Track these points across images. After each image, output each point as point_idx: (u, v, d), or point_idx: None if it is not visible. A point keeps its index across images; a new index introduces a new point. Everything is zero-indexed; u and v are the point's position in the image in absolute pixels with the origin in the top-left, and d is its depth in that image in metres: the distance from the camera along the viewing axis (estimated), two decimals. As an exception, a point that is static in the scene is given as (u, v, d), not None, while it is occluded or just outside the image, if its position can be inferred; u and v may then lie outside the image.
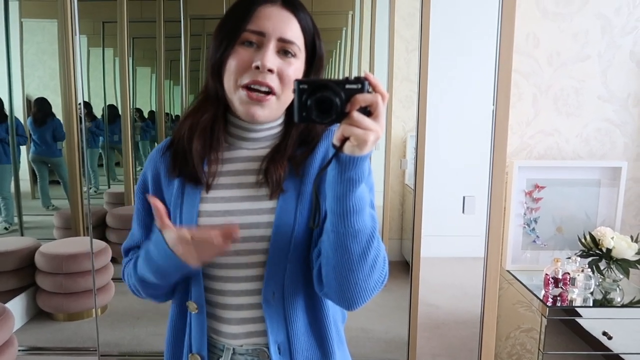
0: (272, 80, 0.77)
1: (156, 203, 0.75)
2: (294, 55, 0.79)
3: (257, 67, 0.76)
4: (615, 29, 2.04)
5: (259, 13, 0.78)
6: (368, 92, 0.63)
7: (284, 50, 0.78)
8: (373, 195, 0.81)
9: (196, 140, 0.82)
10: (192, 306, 0.85)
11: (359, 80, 0.63)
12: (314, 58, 0.84)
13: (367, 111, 0.63)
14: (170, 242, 0.75)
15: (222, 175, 0.84)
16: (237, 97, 0.79)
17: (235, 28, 0.78)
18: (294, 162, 0.83)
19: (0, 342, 1.93)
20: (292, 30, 0.79)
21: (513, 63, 1.86)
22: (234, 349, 0.85)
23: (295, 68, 0.80)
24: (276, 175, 0.80)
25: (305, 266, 0.82)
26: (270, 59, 0.77)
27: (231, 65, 0.78)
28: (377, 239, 0.72)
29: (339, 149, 0.65)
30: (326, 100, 0.62)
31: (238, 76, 0.78)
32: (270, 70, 0.77)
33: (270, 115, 0.81)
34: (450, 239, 3.79)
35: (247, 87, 0.77)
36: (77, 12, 2.44)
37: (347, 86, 0.63)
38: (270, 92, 0.78)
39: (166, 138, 0.91)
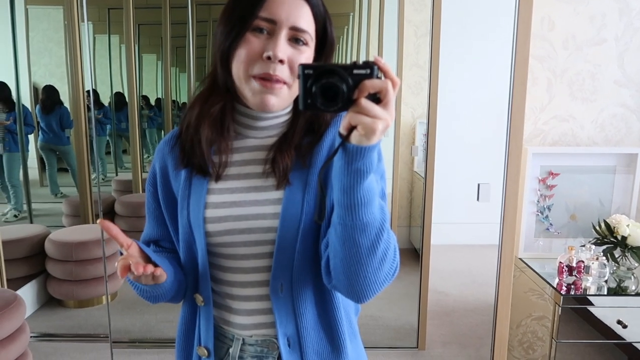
0: (283, 72, 0.74)
1: (108, 227, 0.72)
2: (305, 44, 0.77)
3: (269, 58, 0.73)
4: (634, 12, 1.99)
5: None
6: (377, 77, 0.59)
7: (296, 38, 0.76)
8: (384, 183, 0.79)
9: (206, 129, 0.80)
10: (198, 299, 0.85)
11: (368, 65, 0.59)
12: (325, 43, 0.81)
13: (377, 98, 0.59)
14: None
15: (230, 166, 0.83)
16: (249, 88, 0.76)
17: (245, 14, 0.75)
18: (301, 152, 0.81)
19: (13, 329, 1.95)
20: (305, 18, 0.76)
21: (528, 47, 1.82)
22: (243, 339, 0.85)
23: (307, 57, 0.77)
24: (283, 165, 0.79)
25: (314, 258, 0.80)
26: (282, 48, 0.74)
27: (241, 54, 0.75)
28: (387, 231, 0.70)
29: (345, 139, 0.61)
30: (332, 87, 0.59)
31: (248, 66, 0.75)
32: (281, 61, 0.74)
33: (282, 104, 0.78)
34: (459, 227, 3.78)
35: (259, 77, 0.75)
36: (82, -1, 2.41)
37: (355, 71, 0.59)
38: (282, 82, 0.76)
39: (174, 128, 0.89)
